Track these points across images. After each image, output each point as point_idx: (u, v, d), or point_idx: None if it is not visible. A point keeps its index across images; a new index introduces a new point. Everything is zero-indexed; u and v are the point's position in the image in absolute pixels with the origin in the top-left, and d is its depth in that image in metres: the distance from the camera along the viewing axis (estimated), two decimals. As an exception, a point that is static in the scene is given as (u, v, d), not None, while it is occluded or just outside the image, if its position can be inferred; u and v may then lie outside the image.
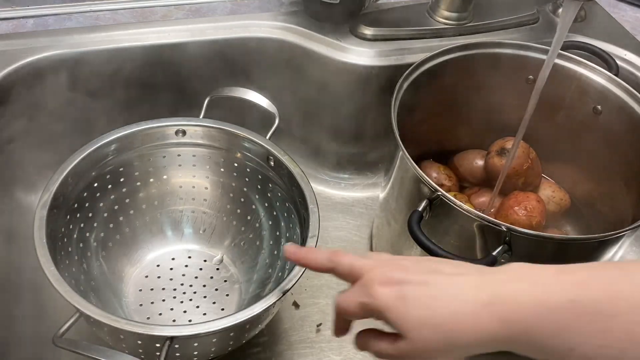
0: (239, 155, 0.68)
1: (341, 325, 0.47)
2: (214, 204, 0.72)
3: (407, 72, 0.66)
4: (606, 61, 0.74)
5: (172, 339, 0.49)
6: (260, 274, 0.68)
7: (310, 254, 0.48)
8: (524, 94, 0.65)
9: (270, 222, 0.68)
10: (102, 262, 0.66)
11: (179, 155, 0.69)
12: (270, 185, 0.67)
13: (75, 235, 0.63)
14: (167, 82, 0.78)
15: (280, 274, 0.64)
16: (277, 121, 0.68)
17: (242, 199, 0.70)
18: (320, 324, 0.70)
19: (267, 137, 0.67)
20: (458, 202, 0.55)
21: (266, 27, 0.78)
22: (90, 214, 0.65)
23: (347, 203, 0.84)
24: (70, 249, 0.61)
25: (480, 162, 0.77)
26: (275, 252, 0.67)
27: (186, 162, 0.70)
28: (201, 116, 0.68)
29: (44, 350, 0.62)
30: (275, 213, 0.68)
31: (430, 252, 0.54)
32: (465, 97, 0.74)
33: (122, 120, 0.79)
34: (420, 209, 0.56)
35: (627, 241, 0.59)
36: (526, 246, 0.55)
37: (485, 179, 0.77)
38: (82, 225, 0.64)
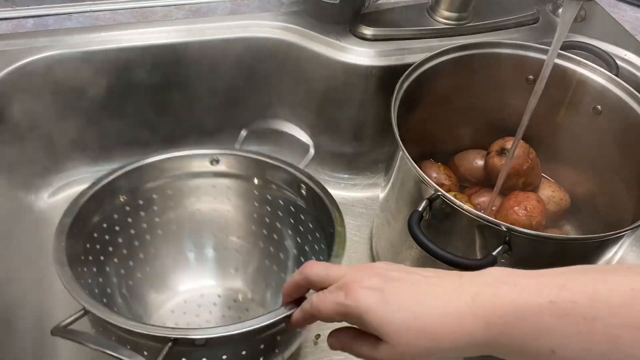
0: (273, 186, 0.66)
1: (301, 322, 0.47)
2: (247, 241, 0.70)
3: (407, 72, 0.66)
4: (606, 61, 0.74)
5: (174, 341, 0.47)
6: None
7: (287, 284, 0.48)
8: (524, 94, 0.65)
9: (302, 259, 0.66)
10: (128, 291, 0.64)
11: (213, 187, 0.67)
12: (303, 217, 0.65)
13: (102, 258, 0.61)
14: (167, 81, 0.78)
15: None
16: (311, 151, 0.67)
17: (276, 236, 0.68)
18: (318, 335, 0.69)
19: (302, 166, 0.65)
20: (458, 202, 0.55)
21: (266, 27, 0.78)
22: (120, 239, 0.63)
23: (347, 203, 0.84)
24: (95, 269, 0.59)
25: (480, 162, 0.77)
26: None
27: (221, 195, 0.68)
28: (238, 146, 0.67)
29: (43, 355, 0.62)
30: (307, 249, 0.65)
31: (430, 252, 0.54)
32: (465, 97, 0.74)
33: (122, 119, 0.79)
34: (420, 209, 0.56)
35: (627, 241, 0.59)
36: (526, 246, 0.55)
37: (485, 179, 0.77)
38: (110, 248, 0.62)
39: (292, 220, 0.66)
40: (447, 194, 0.56)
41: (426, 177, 0.57)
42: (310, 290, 0.47)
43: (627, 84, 0.67)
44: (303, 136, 0.68)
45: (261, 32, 0.78)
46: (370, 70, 0.77)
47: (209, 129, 0.84)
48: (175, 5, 0.80)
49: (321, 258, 0.62)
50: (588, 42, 0.78)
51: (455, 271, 0.42)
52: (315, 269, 0.45)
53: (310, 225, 0.64)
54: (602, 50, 0.75)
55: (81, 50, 0.73)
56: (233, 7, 0.81)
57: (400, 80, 0.65)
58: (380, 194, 0.72)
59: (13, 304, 0.65)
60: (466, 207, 0.55)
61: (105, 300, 0.59)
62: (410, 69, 0.67)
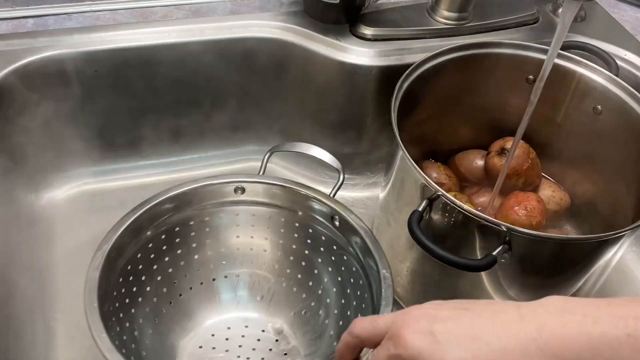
0: (301, 214, 0.64)
1: None
2: (273, 267, 0.68)
3: (407, 72, 0.66)
4: (606, 61, 0.74)
5: None
6: (324, 349, 0.63)
7: (338, 346, 0.46)
8: (524, 94, 0.65)
9: (334, 289, 0.64)
10: (154, 330, 0.62)
11: (237, 214, 0.65)
12: (335, 248, 0.63)
13: (127, 300, 0.59)
14: (167, 82, 0.78)
15: None
16: (342, 178, 0.64)
17: (304, 263, 0.66)
18: None
19: (331, 194, 0.63)
20: (458, 202, 0.55)
21: (266, 27, 0.78)
22: (143, 277, 0.61)
23: (347, 203, 0.83)
24: (121, 315, 0.58)
25: (480, 162, 0.77)
26: (341, 323, 0.62)
27: (244, 222, 0.66)
28: (261, 172, 0.65)
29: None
30: (340, 279, 0.63)
31: (430, 252, 0.54)
32: (465, 97, 0.74)
33: (122, 119, 0.79)
34: (420, 209, 0.56)
35: (627, 241, 0.59)
36: (526, 246, 0.55)
37: (485, 179, 0.77)
38: (134, 289, 0.60)
39: (322, 249, 0.64)
40: (447, 194, 0.56)
41: (426, 177, 0.57)
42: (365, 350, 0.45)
43: (627, 84, 0.67)
44: (331, 159, 0.66)
45: (261, 32, 0.78)
46: (370, 70, 0.77)
47: (208, 129, 0.84)
48: (175, 5, 0.80)
49: (358, 293, 0.60)
50: (588, 42, 0.78)
51: (509, 301, 0.39)
52: (361, 324, 0.43)
53: (344, 258, 0.62)
54: (602, 50, 0.75)
55: (81, 50, 0.73)
56: (233, 7, 0.81)
57: (400, 80, 0.65)
58: (380, 194, 0.72)
59: (10, 304, 0.66)
60: (466, 207, 0.55)
61: (133, 345, 0.58)
62: (410, 69, 0.67)
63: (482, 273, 0.59)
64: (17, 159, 0.74)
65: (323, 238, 0.64)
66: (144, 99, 0.78)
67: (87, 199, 0.80)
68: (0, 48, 0.71)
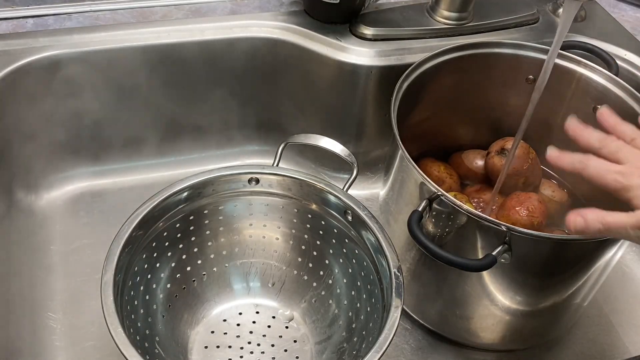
0: (314, 206, 0.65)
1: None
2: (285, 256, 0.69)
3: (407, 72, 0.66)
4: (606, 61, 0.74)
5: None
6: (334, 338, 0.64)
7: (584, 132, 0.52)
8: (524, 94, 0.65)
9: (345, 280, 0.65)
10: (167, 315, 0.64)
11: (250, 204, 0.66)
12: (347, 241, 0.64)
13: (142, 288, 0.60)
14: (166, 82, 0.78)
15: (356, 339, 0.61)
16: (355, 172, 0.65)
17: (315, 253, 0.67)
18: None
19: (345, 188, 0.63)
20: (458, 202, 0.55)
21: (266, 27, 0.78)
22: (157, 264, 0.63)
23: (347, 203, 0.84)
24: (136, 302, 0.59)
25: (480, 162, 0.77)
26: (350, 314, 0.63)
27: (258, 212, 0.67)
28: (275, 163, 0.65)
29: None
30: (351, 270, 0.64)
31: (430, 252, 0.54)
32: (465, 97, 0.74)
33: (121, 118, 0.79)
34: (420, 209, 0.56)
35: (626, 241, 0.59)
36: (526, 246, 0.55)
37: (485, 179, 0.77)
38: (149, 276, 0.62)
39: (333, 241, 0.65)
40: (447, 194, 0.56)
41: (426, 177, 0.57)
42: None
43: (627, 84, 0.67)
44: (345, 153, 0.66)
45: (261, 32, 0.78)
46: (370, 70, 0.77)
47: (207, 128, 0.84)
48: (175, 5, 0.80)
49: (369, 287, 0.61)
50: (588, 42, 0.78)
51: None
52: (615, 142, 0.49)
53: (356, 251, 0.63)
54: (602, 50, 0.75)
55: (81, 50, 0.73)
56: (233, 7, 0.81)
57: (400, 80, 0.65)
58: (380, 193, 0.72)
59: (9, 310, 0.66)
60: (466, 207, 0.55)
61: (147, 331, 0.59)
62: (410, 69, 0.67)
63: (482, 273, 0.59)
64: (16, 159, 0.74)
65: (335, 230, 0.65)
66: (143, 98, 0.78)
67: (87, 199, 0.80)
68: (0, 48, 0.71)
